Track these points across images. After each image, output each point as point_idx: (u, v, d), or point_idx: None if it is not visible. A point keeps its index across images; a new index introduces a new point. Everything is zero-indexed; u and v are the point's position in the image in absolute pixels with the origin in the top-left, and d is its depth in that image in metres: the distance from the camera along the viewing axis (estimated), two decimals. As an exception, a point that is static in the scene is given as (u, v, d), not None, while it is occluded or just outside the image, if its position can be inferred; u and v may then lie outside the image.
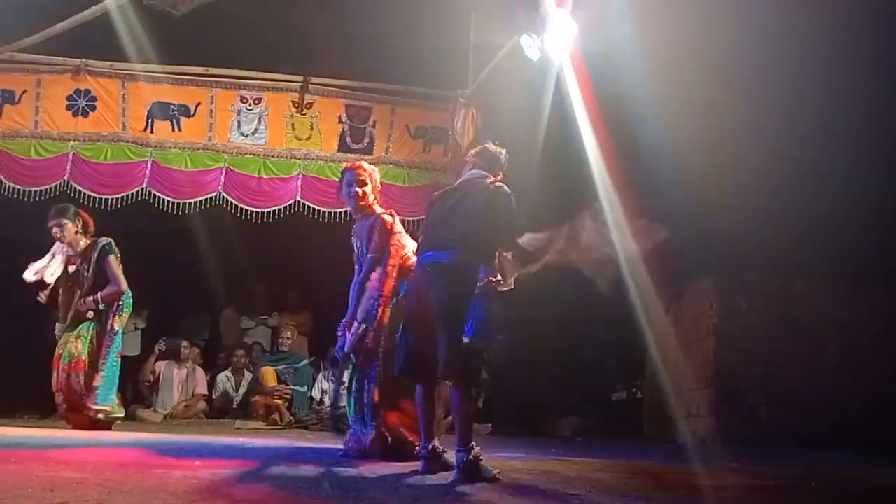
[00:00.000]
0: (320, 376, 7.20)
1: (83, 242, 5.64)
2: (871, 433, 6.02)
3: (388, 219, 4.38)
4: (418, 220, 8.11)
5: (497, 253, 3.59)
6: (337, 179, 7.93)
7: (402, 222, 7.81)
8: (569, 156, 6.48)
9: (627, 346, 6.97)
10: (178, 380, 7.58)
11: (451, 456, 3.43)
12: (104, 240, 5.68)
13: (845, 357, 6.48)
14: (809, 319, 6.55)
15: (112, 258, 5.60)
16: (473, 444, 3.33)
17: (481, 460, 3.32)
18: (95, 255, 5.58)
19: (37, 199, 7.41)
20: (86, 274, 5.57)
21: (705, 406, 6.51)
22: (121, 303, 5.60)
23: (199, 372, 7.73)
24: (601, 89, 6.06)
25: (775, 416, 6.34)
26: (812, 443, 5.85)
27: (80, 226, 5.67)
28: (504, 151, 3.91)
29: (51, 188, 7.45)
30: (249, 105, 7.99)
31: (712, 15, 5.44)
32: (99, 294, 5.51)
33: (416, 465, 3.48)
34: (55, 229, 5.60)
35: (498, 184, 3.70)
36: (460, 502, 2.87)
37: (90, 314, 5.53)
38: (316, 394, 7.07)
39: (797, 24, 5.38)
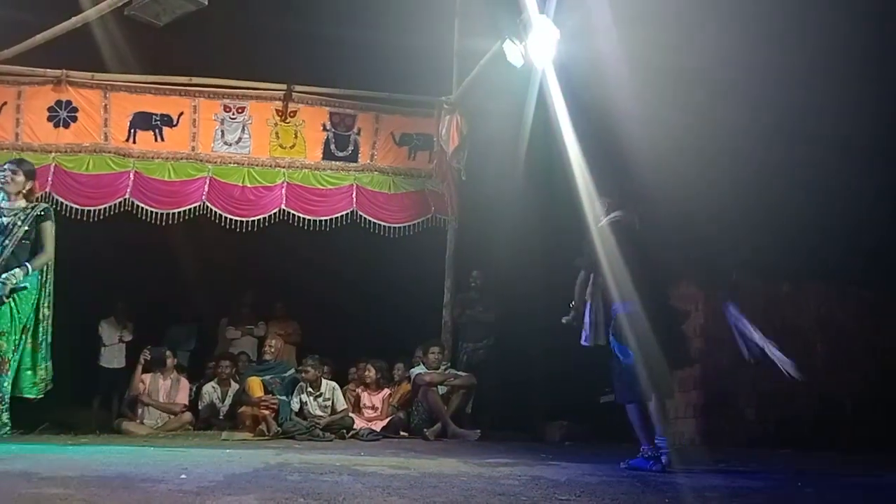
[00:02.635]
0: (297, 388, 7.06)
1: (21, 203, 5.28)
2: (859, 433, 6.06)
3: None
4: (404, 227, 8.13)
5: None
6: (322, 187, 8.06)
7: (389, 230, 8.01)
8: (552, 161, 6.49)
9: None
10: (164, 391, 7.51)
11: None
12: (44, 205, 5.44)
13: (832, 358, 6.52)
14: (796, 320, 6.59)
15: (49, 224, 5.25)
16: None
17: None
18: (33, 214, 5.22)
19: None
20: (20, 226, 5.16)
21: (692, 408, 6.53)
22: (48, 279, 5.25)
23: (183, 382, 7.64)
24: (584, 95, 6.08)
25: (762, 417, 6.37)
26: (800, 443, 5.88)
27: (29, 187, 5.35)
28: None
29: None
30: (233, 114, 7.97)
31: (695, 21, 5.48)
32: (29, 263, 5.10)
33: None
34: (8, 174, 5.21)
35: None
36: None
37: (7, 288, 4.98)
38: (294, 405, 6.94)
39: (780, 30, 5.43)
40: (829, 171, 5.88)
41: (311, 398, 6.92)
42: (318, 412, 6.89)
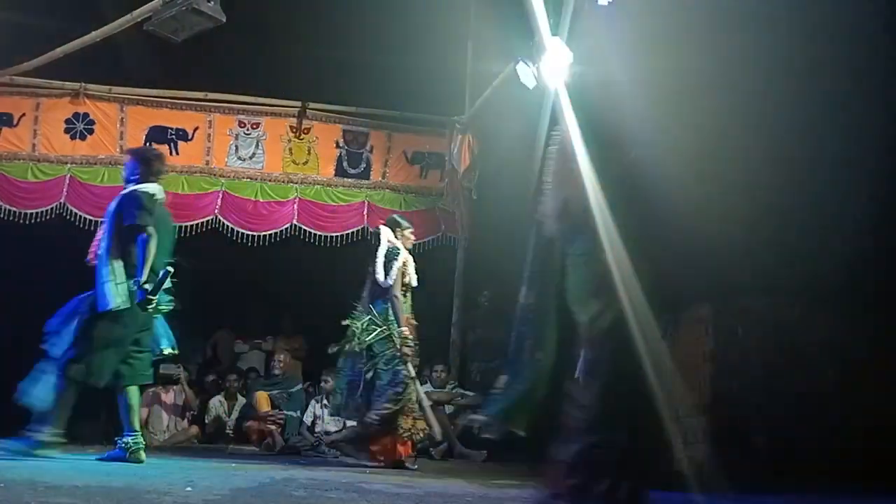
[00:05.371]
0: (313, 401, 7.12)
1: None
2: (871, 461, 5.97)
3: None
4: (414, 245, 8.13)
5: None
6: (334, 204, 8.10)
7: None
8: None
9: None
10: (169, 403, 7.51)
11: None
12: None
13: (844, 384, 6.45)
14: (808, 346, 6.52)
15: None
16: None
17: None
18: None
19: (33, 221, 7.41)
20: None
21: (702, 433, 6.47)
22: None
23: (189, 394, 7.63)
24: (597, 117, 6.09)
25: (773, 443, 6.30)
26: (808, 471, 5.81)
27: None
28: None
29: (47, 211, 7.47)
30: (247, 130, 8.05)
31: (710, 42, 5.49)
32: None
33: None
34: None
35: None
36: None
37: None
38: (307, 419, 6.99)
39: (797, 52, 5.44)
40: (844, 194, 5.85)
41: (326, 411, 6.94)
42: (331, 426, 6.90)
